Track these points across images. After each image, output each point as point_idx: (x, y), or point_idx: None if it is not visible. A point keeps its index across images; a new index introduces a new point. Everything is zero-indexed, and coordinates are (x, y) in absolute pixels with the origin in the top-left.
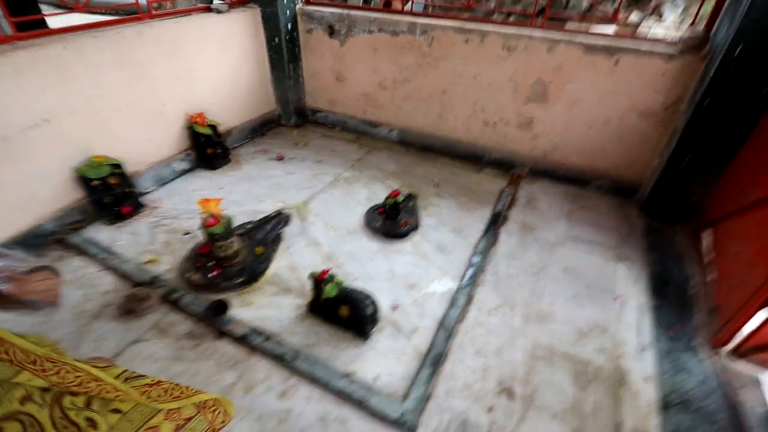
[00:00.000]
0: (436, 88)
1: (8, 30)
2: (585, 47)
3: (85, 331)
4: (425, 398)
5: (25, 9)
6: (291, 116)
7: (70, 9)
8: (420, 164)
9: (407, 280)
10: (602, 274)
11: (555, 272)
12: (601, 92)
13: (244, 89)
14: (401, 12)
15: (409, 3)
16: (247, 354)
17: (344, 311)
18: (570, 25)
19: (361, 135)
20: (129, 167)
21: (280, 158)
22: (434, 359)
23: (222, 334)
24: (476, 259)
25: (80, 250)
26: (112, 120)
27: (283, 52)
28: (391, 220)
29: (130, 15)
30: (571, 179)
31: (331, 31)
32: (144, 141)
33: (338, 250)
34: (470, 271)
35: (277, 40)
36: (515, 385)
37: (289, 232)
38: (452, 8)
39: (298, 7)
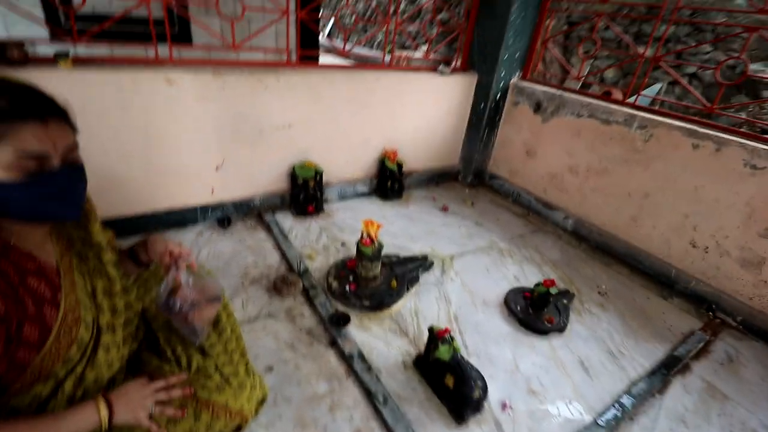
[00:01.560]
0: (639, 188)
1: (293, 58)
2: None
3: (242, 289)
4: None
5: (309, 46)
6: (469, 175)
7: (339, 55)
8: (589, 264)
9: (530, 383)
10: None
11: None
12: None
13: (437, 141)
14: (621, 102)
15: (634, 96)
16: (345, 373)
17: (449, 381)
18: None
19: (532, 213)
20: (325, 177)
21: (445, 209)
22: None
23: (334, 343)
24: (627, 401)
25: (267, 227)
26: (329, 138)
27: (484, 117)
28: (535, 310)
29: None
30: None
31: (538, 108)
32: (344, 161)
33: (466, 317)
34: (614, 412)
35: (482, 105)
36: None
37: (426, 278)
38: (687, 110)
39: (513, 81)
